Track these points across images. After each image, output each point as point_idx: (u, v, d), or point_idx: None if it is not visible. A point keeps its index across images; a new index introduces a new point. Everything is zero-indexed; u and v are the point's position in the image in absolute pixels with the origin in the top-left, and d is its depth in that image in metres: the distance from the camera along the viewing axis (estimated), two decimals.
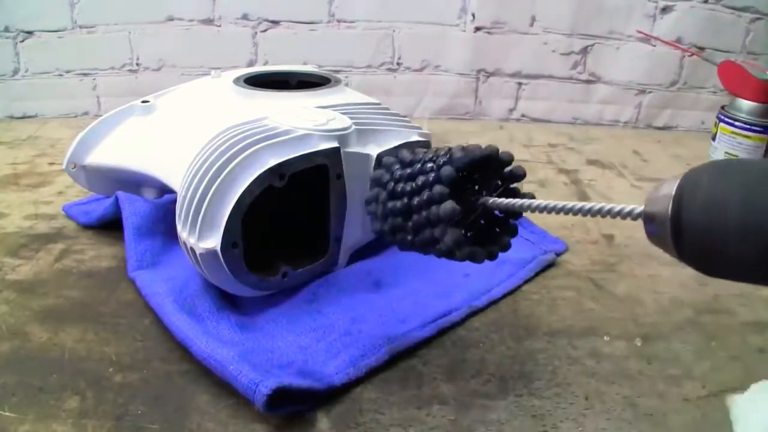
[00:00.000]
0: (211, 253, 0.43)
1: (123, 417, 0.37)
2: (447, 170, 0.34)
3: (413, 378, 0.41)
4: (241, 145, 0.44)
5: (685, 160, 0.90)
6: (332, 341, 0.44)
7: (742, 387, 0.41)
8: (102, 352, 0.43)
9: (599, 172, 0.83)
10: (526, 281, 0.53)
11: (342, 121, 0.49)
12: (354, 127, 0.49)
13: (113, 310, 0.48)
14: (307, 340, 0.44)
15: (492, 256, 0.37)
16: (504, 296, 0.51)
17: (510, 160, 0.37)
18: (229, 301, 0.47)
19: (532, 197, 0.36)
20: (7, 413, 0.37)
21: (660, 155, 0.93)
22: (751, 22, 1.00)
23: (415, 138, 0.54)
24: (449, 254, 0.36)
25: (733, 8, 1.00)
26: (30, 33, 0.99)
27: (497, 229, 0.38)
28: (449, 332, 0.46)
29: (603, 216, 0.30)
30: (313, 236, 0.51)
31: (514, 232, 0.38)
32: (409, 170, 0.37)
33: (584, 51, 1.04)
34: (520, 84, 1.07)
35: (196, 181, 0.43)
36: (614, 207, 0.29)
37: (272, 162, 0.43)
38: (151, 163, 0.55)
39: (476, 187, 0.37)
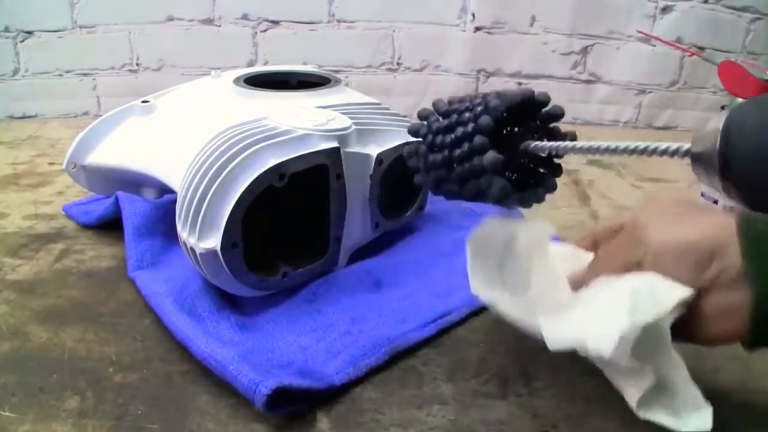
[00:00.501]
0: (211, 253, 0.43)
1: (123, 417, 0.37)
2: (485, 120, 0.34)
3: (413, 378, 0.41)
4: (241, 145, 0.44)
5: (685, 159, 0.90)
6: (332, 341, 0.44)
7: (742, 387, 0.41)
8: (102, 352, 0.43)
9: (599, 172, 0.83)
10: None
11: (342, 121, 0.49)
12: (354, 127, 0.49)
13: (113, 310, 0.48)
14: (307, 340, 0.44)
15: (540, 199, 0.37)
16: None
17: (547, 100, 0.36)
18: (229, 301, 0.47)
19: (574, 137, 0.36)
20: (7, 413, 0.37)
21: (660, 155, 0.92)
22: (751, 22, 1.00)
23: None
24: (498, 202, 0.36)
25: (733, 8, 1.00)
26: (30, 33, 0.99)
27: (542, 170, 0.38)
28: (449, 332, 0.46)
29: (649, 155, 0.30)
30: (313, 236, 0.51)
31: (558, 173, 0.38)
32: (446, 121, 0.37)
33: (584, 51, 1.04)
34: (520, 84, 1.07)
35: (196, 181, 0.43)
36: (660, 146, 0.29)
37: (272, 162, 0.43)
38: (151, 163, 0.55)
39: (516, 130, 0.37)
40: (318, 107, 0.53)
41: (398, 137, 0.53)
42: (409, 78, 1.06)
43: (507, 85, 1.07)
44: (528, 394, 0.40)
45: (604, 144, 0.32)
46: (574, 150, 0.34)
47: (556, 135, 0.37)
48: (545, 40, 1.03)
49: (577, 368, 0.43)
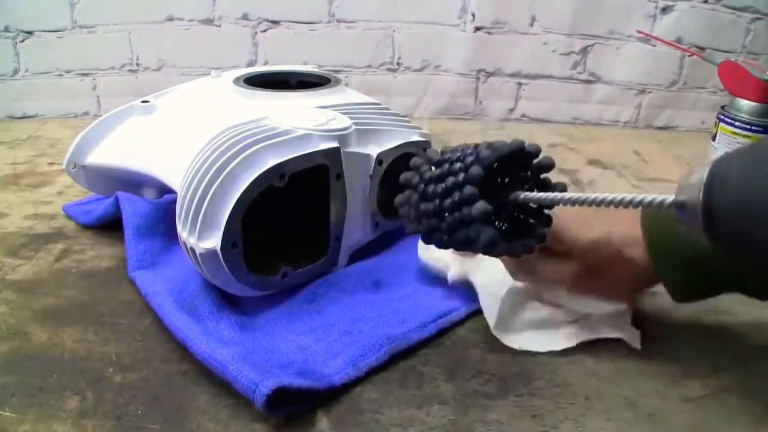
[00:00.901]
0: (211, 253, 0.43)
1: (123, 417, 0.37)
2: (475, 170, 0.35)
3: (413, 378, 0.41)
4: (241, 145, 0.44)
5: (685, 160, 0.90)
6: (332, 341, 0.44)
7: (742, 387, 0.41)
8: (102, 352, 0.43)
9: (599, 172, 0.83)
10: None
11: (342, 121, 0.49)
12: (354, 127, 0.49)
13: (113, 310, 0.48)
14: (307, 340, 0.44)
15: (528, 249, 0.38)
16: None
17: (537, 152, 0.37)
18: (229, 301, 0.47)
19: (564, 188, 0.37)
20: (7, 413, 0.37)
21: (660, 155, 0.93)
22: (751, 22, 1.00)
23: (415, 138, 0.54)
24: (487, 251, 0.37)
25: (733, 8, 1.00)
26: (30, 33, 0.99)
27: (531, 221, 0.39)
28: (449, 332, 0.46)
29: (635, 207, 0.31)
30: (313, 236, 0.51)
31: (548, 223, 0.39)
32: (438, 171, 0.37)
33: (584, 51, 1.04)
34: (520, 84, 1.07)
35: (196, 181, 0.43)
36: (645, 198, 0.30)
37: (272, 162, 0.43)
38: (151, 163, 0.55)
39: (506, 180, 0.38)
40: (318, 107, 0.53)
41: (398, 137, 0.53)
42: (409, 78, 1.06)
43: (507, 85, 1.07)
44: (528, 394, 0.40)
45: (591, 196, 0.33)
46: (563, 201, 0.34)
47: (546, 186, 0.38)
48: (545, 40, 1.03)
49: (577, 368, 0.43)
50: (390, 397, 0.39)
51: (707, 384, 0.41)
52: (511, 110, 1.09)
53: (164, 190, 0.59)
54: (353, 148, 0.49)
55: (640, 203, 0.30)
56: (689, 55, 1.01)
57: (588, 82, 1.07)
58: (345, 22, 1.02)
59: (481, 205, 0.34)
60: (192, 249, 0.43)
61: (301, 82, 0.66)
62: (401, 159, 0.53)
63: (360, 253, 0.55)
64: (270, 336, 0.44)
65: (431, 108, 1.08)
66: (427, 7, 1.02)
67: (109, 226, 0.59)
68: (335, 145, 0.47)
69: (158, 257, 0.53)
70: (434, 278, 0.52)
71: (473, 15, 1.01)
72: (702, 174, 0.25)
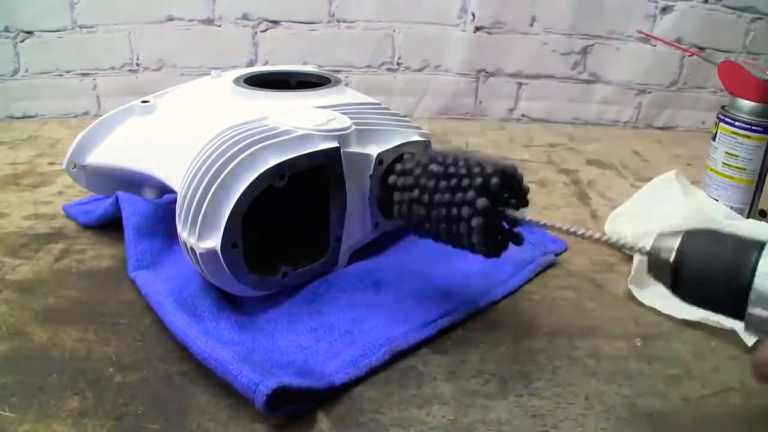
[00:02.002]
0: (211, 253, 0.43)
1: (123, 417, 0.37)
2: (482, 202, 0.40)
3: (413, 378, 0.41)
4: (241, 145, 0.44)
5: (685, 160, 0.90)
6: (332, 341, 0.44)
7: (742, 387, 0.41)
8: (102, 352, 0.43)
9: (599, 172, 0.83)
10: (527, 281, 0.53)
11: (342, 121, 0.49)
12: (354, 127, 0.49)
13: (113, 310, 0.48)
14: (307, 340, 0.44)
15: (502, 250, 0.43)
16: (504, 297, 0.51)
17: (521, 178, 0.42)
18: (229, 301, 0.47)
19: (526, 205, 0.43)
20: (7, 413, 0.37)
21: (660, 155, 0.93)
22: (751, 22, 1.00)
23: (415, 138, 0.54)
24: (475, 250, 0.41)
25: (733, 8, 1.00)
26: (30, 33, 0.99)
27: (501, 237, 0.42)
28: (449, 332, 0.46)
29: (609, 246, 0.36)
30: (313, 236, 0.51)
31: (520, 241, 0.43)
32: (444, 183, 0.41)
33: (584, 51, 1.04)
34: (520, 84, 1.07)
35: (196, 181, 0.43)
36: (625, 243, 0.35)
37: (272, 162, 0.43)
38: (151, 163, 0.55)
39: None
40: (318, 107, 0.53)
41: (398, 137, 0.53)
42: (409, 78, 1.06)
43: (507, 85, 1.07)
44: (528, 394, 0.40)
45: (573, 228, 0.38)
46: (546, 227, 0.40)
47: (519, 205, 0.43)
48: (545, 40, 1.03)
49: (577, 368, 0.43)
50: (390, 397, 0.39)
51: (707, 384, 0.41)
52: (511, 110, 1.09)
53: (164, 190, 0.59)
54: (353, 148, 0.49)
55: (621, 246, 0.36)
56: (689, 55, 1.01)
57: (588, 82, 1.07)
58: (345, 22, 1.02)
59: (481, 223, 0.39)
60: (192, 249, 0.43)
61: (301, 82, 0.66)
62: (401, 159, 0.53)
63: (360, 253, 0.55)
64: (270, 336, 0.44)
65: (431, 108, 1.08)
66: (427, 7, 1.02)
67: (109, 226, 0.59)
68: (335, 145, 0.47)
69: (158, 257, 0.53)
70: (434, 278, 0.52)
71: (473, 15, 1.01)
72: (674, 244, 0.32)
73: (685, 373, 0.42)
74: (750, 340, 0.44)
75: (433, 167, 0.42)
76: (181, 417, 0.37)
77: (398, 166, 0.45)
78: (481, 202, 0.39)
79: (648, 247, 0.33)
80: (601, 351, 0.45)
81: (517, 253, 0.57)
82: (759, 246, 0.30)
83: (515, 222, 0.41)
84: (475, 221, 0.39)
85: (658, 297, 0.49)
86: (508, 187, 0.42)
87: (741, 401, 0.40)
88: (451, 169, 0.42)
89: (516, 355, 0.44)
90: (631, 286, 0.52)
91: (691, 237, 0.32)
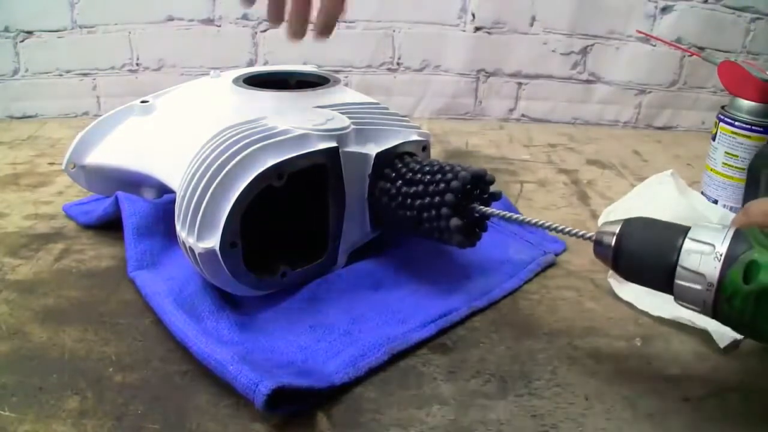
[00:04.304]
0: (210, 253, 0.43)
1: (123, 417, 0.37)
2: (455, 183, 0.46)
3: (413, 378, 0.41)
4: (240, 145, 0.44)
5: (685, 160, 0.90)
6: (332, 341, 0.44)
7: (742, 387, 0.41)
8: (102, 352, 0.43)
9: (599, 172, 0.83)
10: (526, 282, 0.53)
11: (341, 121, 0.49)
12: (353, 126, 0.49)
13: (113, 310, 0.48)
14: (306, 340, 0.44)
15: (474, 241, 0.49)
16: (504, 297, 0.51)
17: (492, 181, 0.48)
18: (228, 301, 0.47)
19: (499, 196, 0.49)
20: (7, 413, 0.37)
21: (660, 155, 0.93)
22: (751, 22, 1.00)
23: (414, 138, 0.54)
24: (449, 236, 0.46)
25: (733, 8, 1.00)
26: (30, 33, 0.99)
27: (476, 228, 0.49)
28: (449, 332, 0.46)
29: (558, 233, 0.42)
30: (312, 236, 0.51)
31: (484, 230, 0.49)
32: (419, 176, 0.48)
33: (584, 51, 1.04)
34: (520, 84, 1.07)
35: (195, 180, 0.43)
36: (573, 229, 0.41)
37: (271, 161, 0.43)
38: (151, 163, 0.55)
39: (468, 195, 0.47)
40: (317, 107, 0.53)
41: (398, 137, 0.53)
42: (409, 78, 1.06)
43: (507, 85, 1.07)
44: (528, 394, 0.40)
45: (528, 218, 0.44)
46: (505, 219, 0.46)
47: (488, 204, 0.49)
48: (545, 40, 1.03)
49: (577, 368, 0.43)
50: (390, 397, 0.39)
51: (707, 384, 0.41)
52: (511, 110, 1.09)
53: (163, 190, 0.59)
54: (352, 148, 0.49)
55: (568, 233, 0.41)
56: (689, 55, 1.01)
57: (588, 82, 1.07)
58: (345, 22, 1.02)
59: (456, 220, 0.45)
60: (191, 249, 0.43)
61: (301, 82, 0.66)
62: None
63: (360, 253, 0.55)
64: (270, 336, 0.44)
65: (431, 108, 1.08)
66: (427, 7, 1.02)
67: (109, 226, 0.59)
68: (334, 144, 0.47)
69: (158, 257, 0.53)
70: (434, 278, 0.52)
71: (473, 15, 1.01)
72: (615, 229, 0.38)
73: (685, 373, 0.42)
74: (723, 341, 0.44)
75: (409, 175, 0.49)
76: (181, 417, 0.37)
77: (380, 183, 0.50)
78: (449, 197, 0.45)
79: (590, 236, 0.40)
80: (601, 351, 0.45)
81: (517, 254, 0.57)
82: (685, 230, 0.36)
83: (485, 216, 0.47)
84: (444, 210, 0.45)
85: (635, 293, 0.50)
86: (476, 186, 0.47)
87: (741, 401, 0.40)
88: (426, 172, 0.48)
89: (516, 355, 0.44)
90: (610, 280, 0.52)
91: (628, 224, 0.38)
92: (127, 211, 0.55)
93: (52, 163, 0.80)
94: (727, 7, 0.99)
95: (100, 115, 0.61)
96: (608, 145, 0.96)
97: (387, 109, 0.58)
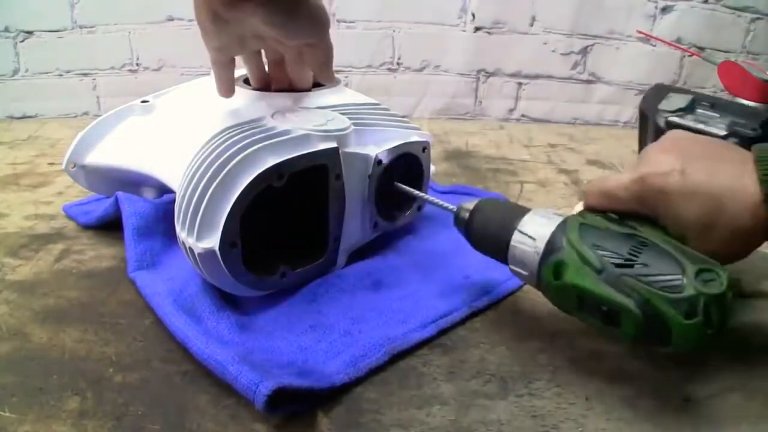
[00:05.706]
0: (209, 253, 0.43)
1: (123, 417, 0.37)
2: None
3: (413, 378, 0.41)
4: (240, 145, 0.44)
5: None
6: (332, 341, 0.44)
7: (742, 387, 0.41)
8: (102, 352, 0.43)
9: (599, 172, 0.83)
10: None
11: (341, 122, 0.49)
12: (353, 127, 0.49)
13: (113, 310, 0.48)
14: (307, 340, 0.44)
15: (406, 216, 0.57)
16: (504, 297, 0.51)
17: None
18: (228, 302, 0.47)
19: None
20: (7, 413, 0.37)
21: None
22: (751, 22, 1.00)
23: (414, 138, 0.54)
24: None
25: (733, 8, 1.00)
26: (30, 33, 0.99)
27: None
28: (449, 332, 0.46)
29: (438, 207, 0.49)
30: (312, 236, 0.51)
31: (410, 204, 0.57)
32: None
33: (584, 51, 1.04)
34: (520, 84, 1.07)
35: (194, 180, 0.43)
36: (448, 205, 0.48)
37: (271, 162, 0.43)
38: (151, 162, 0.55)
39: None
40: (317, 107, 0.53)
41: (397, 137, 0.53)
42: (409, 78, 1.06)
43: (507, 85, 1.07)
44: (528, 394, 0.40)
45: (429, 198, 0.52)
46: (418, 198, 0.54)
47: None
48: (545, 40, 1.03)
49: (577, 368, 0.43)
50: (390, 398, 0.39)
51: (707, 384, 0.41)
52: (511, 110, 1.09)
53: (163, 190, 0.59)
54: (352, 149, 0.49)
55: (444, 207, 0.48)
56: (689, 55, 1.01)
57: (588, 82, 1.07)
58: (345, 22, 1.02)
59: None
60: (191, 249, 0.43)
61: None
62: (400, 159, 0.53)
63: (359, 253, 0.55)
64: (270, 336, 0.44)
65: (431, 108, 1.09)
66: (427, 7, 1.02)
67: (109, 226, 0.59)
68: (334, 145, 0.47)
69: (158, 257, 0.53)
70: (434, 278, 0.52)
71: (473, 15, 1.02)
72: (471, 206, 0.45)
73: (684, 373, 0.42)
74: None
75: None
76: (181, 417, 0.37)
77: None
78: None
79: (454, 210, 0.46)
80: (601, 351, 0.45)
81: None
82: (523, 216, 0.41)
83: (409, 195, 0.53)
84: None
85: None
86: (409, 169, 0.55)
87: (741, 401, 0.40)
88: None
89: (516, 355, 0.44)
90: None
91: (481, 203, 0.45)
92: (127, 212, 0.55)
93: (52, 164, 0.80)
94: (727, 7, 1.00)
95: (100, 115, 0.61)
96: (608, 145, 0.96)
97: (387, 109, 0.58)
